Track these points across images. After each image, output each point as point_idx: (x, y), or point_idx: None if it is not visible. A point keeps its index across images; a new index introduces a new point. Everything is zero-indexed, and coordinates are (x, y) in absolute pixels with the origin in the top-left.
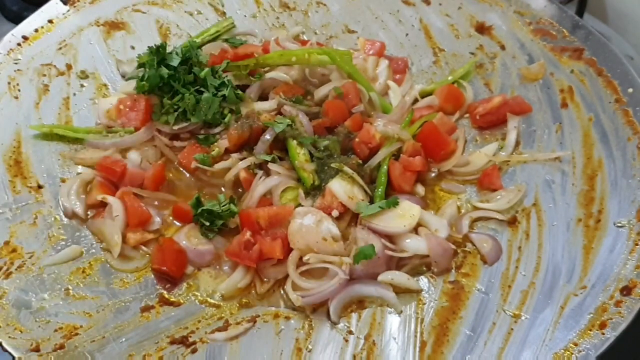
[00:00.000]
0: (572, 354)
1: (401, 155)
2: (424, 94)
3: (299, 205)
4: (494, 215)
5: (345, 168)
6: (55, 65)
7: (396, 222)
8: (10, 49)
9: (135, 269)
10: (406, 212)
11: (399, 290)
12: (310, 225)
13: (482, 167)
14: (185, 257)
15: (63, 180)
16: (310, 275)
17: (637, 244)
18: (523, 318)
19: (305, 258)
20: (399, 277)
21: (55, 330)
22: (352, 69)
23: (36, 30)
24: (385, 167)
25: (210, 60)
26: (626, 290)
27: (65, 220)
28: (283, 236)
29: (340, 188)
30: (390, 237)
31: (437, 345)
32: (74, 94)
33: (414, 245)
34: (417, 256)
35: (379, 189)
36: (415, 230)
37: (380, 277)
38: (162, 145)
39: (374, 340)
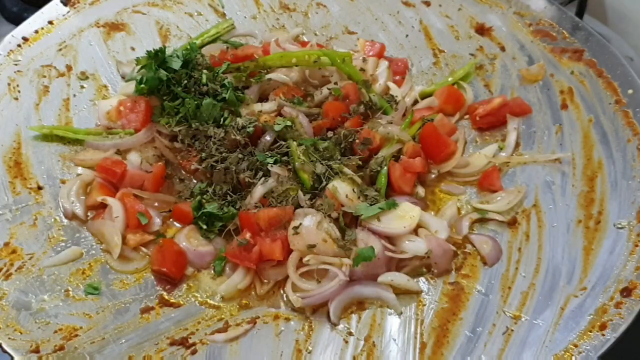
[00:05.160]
0: (572, 355)
1: (401, 156)
2: (424, 95)
3: (299, 206)
4: (494, 216)
5: (345, 169)
6: (55, 67)
7: (396, 223)
8: (10, 50)
9: (135, 270)
10: (406, 213)
11: (399, 292)
12: (310, 226)
13: (482, 168)
14: (185, 258)
15: (63, 182)
16: (310, 276)
17: (637, 245)
18: (523, 319)
19: (305, 259)
20: (399, 278)
21: (55, 332)
22: (352, 70)
23: (36, 32)
24: (385, 168)
25: (210, 61)
26: (626, 292)
27: (65, 221)
28: (283, 237)
29: (340, 189)
30: (390, 238)
31: (437, 346)
32: (74, 95)
33: (414, 246)
34: (417, 257)
35: (379, 191)
36: (415, 231)
37: (380, 279)
38: (162, 146)
39: (374, 342)
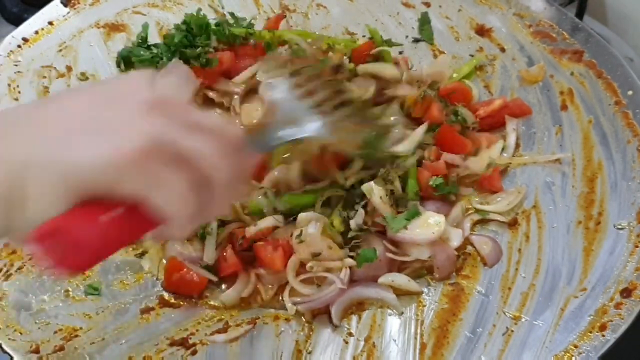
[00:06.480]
0: (572, 355)
1: (423, 160)
2: None
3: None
4: (495, 217)
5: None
6: (55, 67)
7: (423, 230)
8: (11, 51)
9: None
10: (429, 220)
11: (399, 292)
12: (314, 233)
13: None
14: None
15: None
16: (309, 280)
17: (637, 246)
18: (523, 320)
19: (308, 266)
20: (400, 279)
21: (55, 332)
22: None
23: (36, 32)
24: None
25: None
26: (626, 292)
27: None
28: (284, 243)
29: (376, 190)
30: (394, 241)
31: (437, 347)
32: None
33: (417, 249)
34: (418, 260)
35: (414, 200)
36: None
37: (380, 279)
38: None
39: (374, 342)
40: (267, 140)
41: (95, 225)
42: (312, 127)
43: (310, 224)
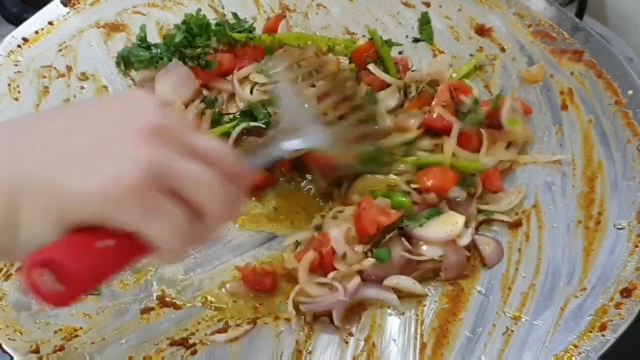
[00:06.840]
0: (572, 355)
1: None
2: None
3: None
4: (500, 217)
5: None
6: (55, 67)
7: (438, 228)
8: (11, 51)
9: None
10: (449, 219)
11: (402, 294)
12: (338, 237)
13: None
14: None
15: None
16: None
17: (637, 246)
18: (523, 320)
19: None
20: (404, 281)
21: (55, 332)
22: (389, 58)
23: (36, 32)
24: None
25: None
26: (626, 292)
27: None
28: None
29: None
30: (411, 240)
31: (437, 347)
32: (74, 96)
33: (431, 248)
34: (430, 261)
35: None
36: None
37: (385, 282)
38: None
39: (374, 342)
40: (268, 154)
41: (88, 256)
42: (315, 138)
43: (333, 229)
